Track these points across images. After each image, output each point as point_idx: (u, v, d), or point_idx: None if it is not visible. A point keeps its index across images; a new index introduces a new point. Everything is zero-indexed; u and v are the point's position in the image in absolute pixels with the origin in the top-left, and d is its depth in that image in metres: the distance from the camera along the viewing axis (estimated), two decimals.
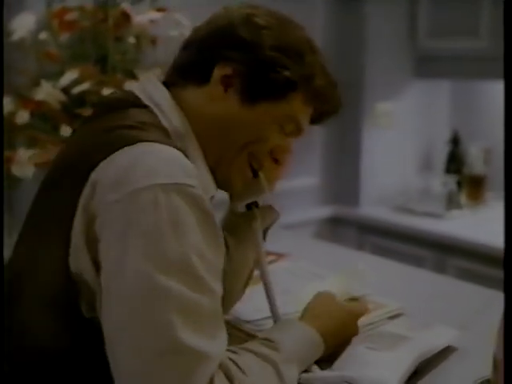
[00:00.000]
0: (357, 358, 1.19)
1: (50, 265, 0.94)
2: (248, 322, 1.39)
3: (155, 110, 1.05)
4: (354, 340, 1.25)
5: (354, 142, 3.14)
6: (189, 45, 1.14)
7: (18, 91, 1.88)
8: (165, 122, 1.05)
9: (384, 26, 3.06)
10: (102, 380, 0.93)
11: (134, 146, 0.94)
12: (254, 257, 1.30)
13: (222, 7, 1.15)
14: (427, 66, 3.15)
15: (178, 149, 0.98)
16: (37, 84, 1.85)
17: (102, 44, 1.94)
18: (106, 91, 1.80)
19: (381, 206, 3.14)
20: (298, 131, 1.15)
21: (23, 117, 1.80)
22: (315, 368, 1.16)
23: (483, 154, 3.08)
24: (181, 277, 0.87)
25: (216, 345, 0.90)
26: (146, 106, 1.05)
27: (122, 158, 0.93)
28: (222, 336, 0.93)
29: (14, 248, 1.06)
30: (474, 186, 3.10)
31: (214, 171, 1.13)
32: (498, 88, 3.03)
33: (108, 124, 1.01)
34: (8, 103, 1.80)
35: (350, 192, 3.18)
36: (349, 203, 3.18)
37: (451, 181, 3.07)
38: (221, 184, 1.17)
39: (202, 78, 1.08)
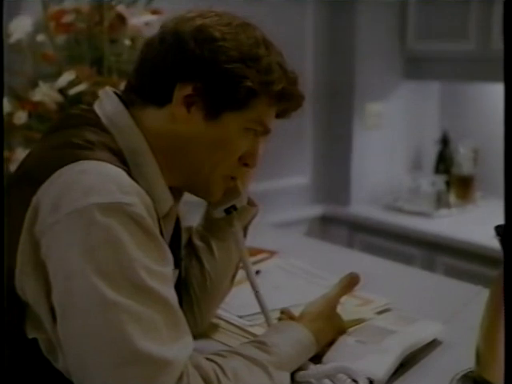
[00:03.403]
0: (346, 351, 1.24)
1: None
2: (240, 316, 1.43)
3: (112, 130, 1.05)
4: (344, 334, 1.29)
5: (344, 142, 3.17)
6: (143, 64, 1.11)
7: (16, 92, 1.91)
8: (120, 141, 1.04)
9: (374, 28, 3.10)
10: None
11: (73, 164, 0.94)
12: (238, 253, 1.32)
13: (171, 18, 1.12)
14: (417, 67, 3.19)
15: (122, 167, 0.98)
16: (34, 85, 1.89)
17: (97, 46, 1.97)
18: None
19: (371, 205, 3.18)
20: (264, 132, 1.14)
21: (21, 117, 1.84)
22: (309, 364, 1.19)
23: (472, 154, 3.12)
24: (128, 290, 0.89)
25: (177, 350, 0.91)
26: (101, 125, 1.05)
27: (60, 178, 0.93)
28: (184, 341, 0.94)
29: None
30: (462, 186, 3.13)
31: (189, 185, 1.15)
32: (486, 89, 3.09)
33: (56, 141, 1.02)
34: (6, 104, 1.84)
35: (340, 191, 3.22)
36: (339, 202, 3.22)
37: (440, 180, 3.10)
38: (201, 196, 1.18)
39: (162, 100, 1.07)
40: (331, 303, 1.29)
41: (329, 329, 1.26)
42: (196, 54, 1.04)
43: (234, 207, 1.25)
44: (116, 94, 1.12)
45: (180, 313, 0.96)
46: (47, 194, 0.93)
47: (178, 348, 0.92)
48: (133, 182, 0.97)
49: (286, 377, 1.10)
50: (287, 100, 1.13)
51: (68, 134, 1.02)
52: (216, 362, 0.98)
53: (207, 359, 0.98)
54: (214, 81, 1.05)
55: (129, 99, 1.10)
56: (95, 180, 0.92)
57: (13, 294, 0.93)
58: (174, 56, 1.06)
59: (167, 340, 0.91)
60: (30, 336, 0.95)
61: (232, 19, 1.09)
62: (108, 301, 0.87)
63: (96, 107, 1.10)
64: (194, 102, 1.06)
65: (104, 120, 1.06)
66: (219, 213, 1.26)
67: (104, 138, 1.03)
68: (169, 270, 0.98)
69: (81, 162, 0.95)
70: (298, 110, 1.17)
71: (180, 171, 1.11)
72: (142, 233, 0.93)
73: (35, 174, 0.96)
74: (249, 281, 1.27)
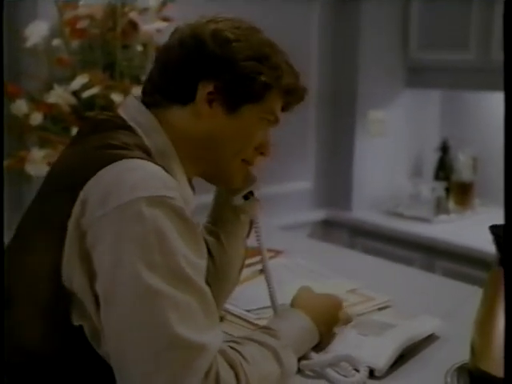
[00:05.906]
0: (349, 343, 1.30)
1: (43, 274, 1.00)
2: (248, 311, 1.50)
3: (139, 132, 1.12)
4: (346, 328, 1.36)
5: (346, 149, 3.23)
6: (166, 66, 1.18)
7: (32, 95, 1.98)
8: (147, 142, 1.11)
9: (377, 37, 3.16)
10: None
11: (119, 162, 1.00)
12: (245, 246, 1.41)
13: (184, 24, 1.20)
14: (418, 76, 3.25)
15: (159, 165, 1.05)
16: (49, 88, 1.95)
17: (110, 51, 2.04)
18: (114, 96, 1.91)
19: (372, 211, 3.23)
20: (275, 122, 1.24)
21: (36, 119, 1.91)
22: (312, 353, 1.26)
23: (471, 161, 3.16)
24: (170, 279, 0.94)
25: (211, 337, 0.96)
26: (130, 128, 1.12)
27: (108, 175, 0.99)
28: (217, 329, 1.00)
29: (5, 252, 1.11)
30: (461, 193, 3.19)
31: (211, 175, 1.24)
32: (485, 98, 3.15)
33: (96, 143, 1.07)
34: (22, 106, 1.90)
35: (342, 196, 3.27)
36: (341, 207, 3.27)
37: (440, 187, 3.15)
38: (223, 184, 1.29)
39: (186, 99, 1.15)
40: (310, 293, 1.38)
41: (324, 313, 1.31)
42: (216, 54, 1.14)
43: (251, 193, 1.34)
44: (137, 98, 1.20)
45: (213, 303, 1.02)
46: (95, 189, 0.99)
47: (213, 335, 0.98)
48: (173, 179, 1.05)
49: (294, 359, 1.16)
50: (294, 93, 1.23)
51: (103, 136, 1.09)
52: (235, 349, 1.04)
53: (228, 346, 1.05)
54: (233, 78, 1.14)
55: (153, 101, 1.18)
56: (141, 176, 0.99)
57: (59, 284, 0.99)
58: (195, 57, 1.15)
59: (203, 327, 0.96)
60: (76, 323, 1.00)
61: (240, 23, 1.19)
62: (150, 288, 0.93)
63: (121, 112, 1.17)
64: (215, 98, 1.15)
65: (131, 123, 1.13)
66: (238, 200, 1.34)
67: (136, 139, 1.10)
68: (204, 263, 1.05)
69: (125, 160, 1.02)
70: (300, 104, 1.27)
71: (203, 163, 1.20)
72: (183, 224, 0.99)
73: (81, 172, 1.02)
74: (263, 267, 1.36)
